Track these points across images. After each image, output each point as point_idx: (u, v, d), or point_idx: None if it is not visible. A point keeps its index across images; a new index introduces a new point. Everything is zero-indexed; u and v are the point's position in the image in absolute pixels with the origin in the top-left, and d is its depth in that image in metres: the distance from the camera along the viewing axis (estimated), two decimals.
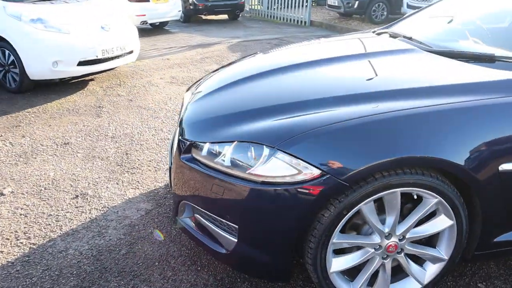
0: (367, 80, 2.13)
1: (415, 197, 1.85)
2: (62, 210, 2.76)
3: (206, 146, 2.00)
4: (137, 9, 8.83)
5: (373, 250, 1.89)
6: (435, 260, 2.00)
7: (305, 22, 11.30)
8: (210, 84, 2.53)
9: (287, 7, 11.76)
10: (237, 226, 1.89)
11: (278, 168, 1.75)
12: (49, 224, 2.60)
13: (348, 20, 11.48)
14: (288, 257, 1.88)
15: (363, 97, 1.95)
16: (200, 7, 10.57)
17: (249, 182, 1.80)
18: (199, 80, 2.91)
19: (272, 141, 1.79)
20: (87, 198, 2.90)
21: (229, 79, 2.49)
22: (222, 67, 2.90)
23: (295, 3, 11.48)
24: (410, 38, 2.69)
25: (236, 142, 1.88)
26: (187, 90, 2.78)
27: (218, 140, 1.97)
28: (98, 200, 2.88)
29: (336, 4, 11.17)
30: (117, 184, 3.09)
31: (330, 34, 9.96)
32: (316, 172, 1.70)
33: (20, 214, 2.69)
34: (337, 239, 1.81)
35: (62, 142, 3.75)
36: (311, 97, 2.03)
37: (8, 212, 2.71)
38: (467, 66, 2.18)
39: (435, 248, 1.98)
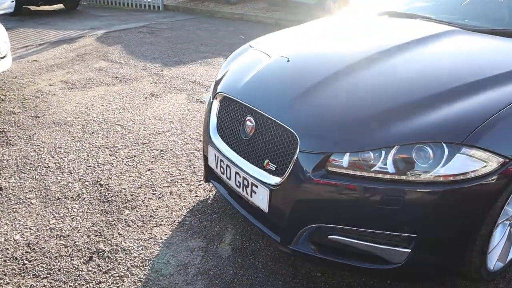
0: (456, 68, 2.00)
1: None
2: (86, 284, 1.92)
3: (347, 157, 1.63)
4: None
5: (508, 222, 1.89)
6: None
7: (158, 7, 10.53)
8: (293, 84, 2.03)
9: None
10: (415, 235, 1.61)
11: (462, 164, 1.58)
12: None
13: (204, 2, 11.17)
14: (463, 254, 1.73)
15: (488, 82, 1.82)
16: None
17: (432, 185, 1.60)
18: (221, 78, 2.37)
19: (454, 137, 1.59)
20: (108, 256, 2.09)
21: (314, 74, 2.04)
22: (266, 64, 2.26)
23: None
24: (429, 18, 2.60)
25: (396, 146, 1.58)
26: (215, 95, 2.23)
27: (363, 147, 1.66)
28: (125, 254, 2.11)
29: None
30: (129, 226, 2.32)
31: (238, 17, 9.54)
32: (500, 160, 1.58)
33: None
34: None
35: None
36: (442, 88, 1.80)
37: None
38: None
39: None
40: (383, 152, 1.62)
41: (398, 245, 1.68)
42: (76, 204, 2.51)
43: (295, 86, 1.98)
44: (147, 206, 2.52)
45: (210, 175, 2.38)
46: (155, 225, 2.35)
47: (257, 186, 1.90)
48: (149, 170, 2.93)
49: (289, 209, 1.80)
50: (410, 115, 1.69)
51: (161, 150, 3.22)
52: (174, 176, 2.86)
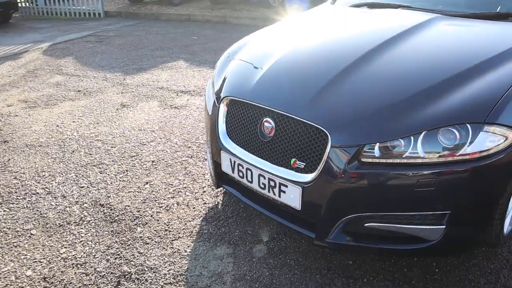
0: (458, 52, 2.11)
1: None
2: None
3: (377, 146, 1.70)
4: None
5: None
6: None
7: (99, 14, 10.09)
8: (309, 80, 2.04)
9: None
10: (449, 212, 1.71)
11: (485, 141, 1.68)
12: None
13: (146, 5, 10.86)
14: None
15: (489, 63, 1.94)
16: None
17: (461, 163, 1.69)
18: (222, 84, 2.32)
19: (477, 117, 1.70)
20: (136, 278, 2.00)
21: (327, 69, 2.07)
22: (272, 64, 2.23)
23: None
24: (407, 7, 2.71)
25: (424, 131, 1.67)
26: (221, 100, 2.19)
27: (394, 136, 1.72)
28: (154, 272, 2.03)
29: None
30: (147, 244, 2.24)
31: (185, 18, 9.25)
32: None
33: None
34: None
35: None
36: (451, 72, 1.90)
37: None
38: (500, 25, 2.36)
39: None
40: (412, 138, 1.69)
41: (433, 223, 1.77)
42: (82, 228, 2.38)
43: (312, 82, 2.00)
44: (158, 220, 2.44)
45: (221, 180, 2.35)
46: (173, 238, 2.28)
47: (286, 186, 1.90)
48: (147, 183, 2.84)
49: (325, 204, 1.82)
50: (430, 101, 1.77)
51: (153, 161, 3.12)
52: (175, 186, 2.79)
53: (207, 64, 5.82)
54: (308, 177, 1.84)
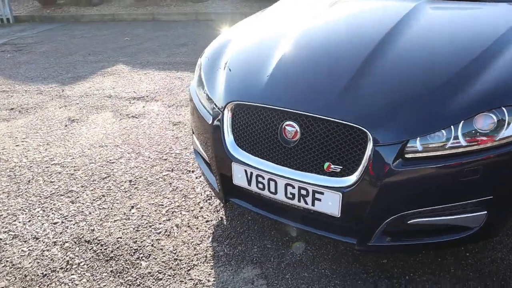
0: (467, 35, 2.07)
1: None
2: None
3: (418, 140, 1.59)
4: None
5: None
6: None
7: (8, 20, 9.03)
8: (333, 73, 1.87)
9: None
10: (491, 197, 1.66)
11: None
12: None
13: (62, 7, 9.91)
14: None
15: (499, 44, 1.91)
16: None
17: (502, 147, 1.64)
18: (216, 86, 2.08)
19: (510, 99, 1.65)
20: None
21: (347, 60, 1.91)
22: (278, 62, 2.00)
23: None
24: None
25: (462, 120, 1.60)
26: (225, 106, 1.92)
27: (435, 128, 1.62)
28: None
29: None
30: (159, 279, 1.93)
31: (109, 18, 8.40)
32: None
33: None
34: None
35: None
36: (471, 56, 1.83)
37: None
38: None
39: None
40: (452, 128, 1.61)
41: (475, 210, 1.70)
42: (73, 274, 2.00)
43: (334, 77, 1.82)
44: (161, 249, 2.14)
45: (229, 194, 2.11)
46: (188, 267, 2.00)
47: (322, 193, 1.73)
48: (132, 207, 2.49)
49: (369, 207, 1.68)
50: (461, 88, 1.69)
51: (130, 181, 2.77)
52: (166, 207, 2.49)
53: (152, 66, 5.41)
54: (349, 180, 1.67)
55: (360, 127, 1.62)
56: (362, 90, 1.74)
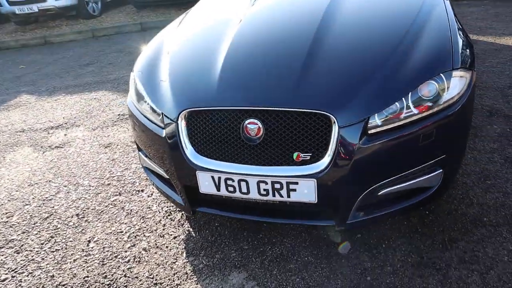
0: (391, 12, 2.26)
1: None
2: None
3: (376, 116, 1.71)
4: None
5: None
6: None
7: None
8: (283, 62, 1.91)
9: None
10: (444, 155, 1.84)
11: (456, 85, 1.83)
12: None
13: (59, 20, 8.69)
14: None
15: (421, 17, 2.13)
16: None
17: (447, 109, 1.82)
18: (157, 97, 2.00)
19: (446, 66, 1.83)
20: None
21: (292, 48, 1.97)
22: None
23: None
24: None
25: (410, 91, 1.74)
26: (179, 115, 1.86)
27: (389, 102, 1.73)
28: None
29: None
30: None
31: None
32: (469, 72, 1.92)
33: None
34: None
35: None
36: (404, 31, 2.02)
37: None
38: None
39: None
40: (404, 100, 1.74)
41: (433, 170, 1.87)
42: None
43: (285, 66, 1.86)
44: (137, 277, 2.01)
45: (195, 205, 2.06)
46: None
47: (296, 183, 1.76)
48: (89, 241, 2.30)
49: (343, 187, 1.75)
50: (404, 61, 1.83)
51: (77, 215, 2.55)
52: (127, 232, 2.34)
53: (61, 91, 5.02)
54: (321, 165, 1.72)
55: (323, 112, 1.68)
56: (316, 77, 1.80)
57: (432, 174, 1.86)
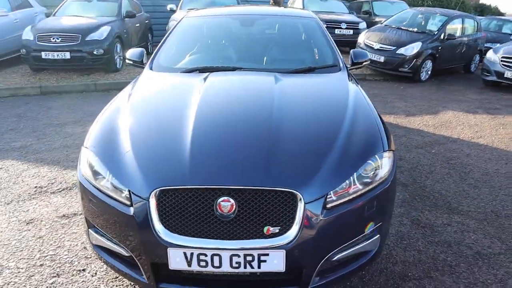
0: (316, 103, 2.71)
1: None
2: None
3: (332, 192, 2.02)
4: None
5: None
6: None
7: None
8: (249, 144, 2.17)
9: None
10: (381, 223, 2.22)
11: (386, 164, 2.23)
12: None
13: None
14: None
15: (348, 105, 2.61)
16: None
17: (382, 184, 2.18)
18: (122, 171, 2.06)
19: (378, 149, 2.26)
20: None
21: (253, 132, 2.28)
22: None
23: None
24: None
25: (355, 172, 2.09)
26: (150, 194, 1.95)
27: (342, 179, 2.05)
28: None
29: None
30: None
31: None
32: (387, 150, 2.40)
33: None
34: None
35: None
36: (341, 118, 2.45)
37: None
38: None
39: None
40: (351, 178, 2.08)
41: (373, 236, 2.20)
42: None
43: (254, 146, 2.11)
44: None
45: (161, 281, 2.08)
46: None
47: (267, 254, 1.93)
48: None
49: (308, 255, 1.97)
50: (350, 145, 2.20)
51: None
52: None
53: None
54: (289, 237, 1.93)
55: (291, 190, 1.93)
56: (281, 158, 2.06)
57: (373, 239, 2.20)
